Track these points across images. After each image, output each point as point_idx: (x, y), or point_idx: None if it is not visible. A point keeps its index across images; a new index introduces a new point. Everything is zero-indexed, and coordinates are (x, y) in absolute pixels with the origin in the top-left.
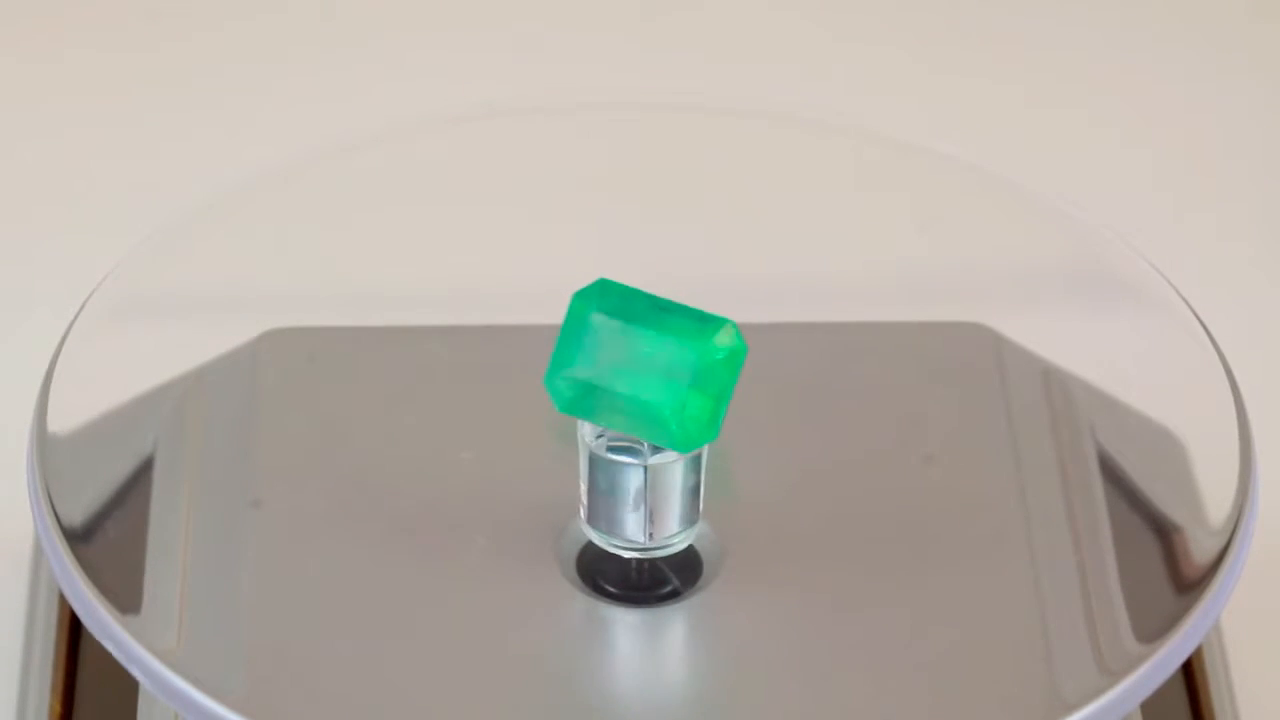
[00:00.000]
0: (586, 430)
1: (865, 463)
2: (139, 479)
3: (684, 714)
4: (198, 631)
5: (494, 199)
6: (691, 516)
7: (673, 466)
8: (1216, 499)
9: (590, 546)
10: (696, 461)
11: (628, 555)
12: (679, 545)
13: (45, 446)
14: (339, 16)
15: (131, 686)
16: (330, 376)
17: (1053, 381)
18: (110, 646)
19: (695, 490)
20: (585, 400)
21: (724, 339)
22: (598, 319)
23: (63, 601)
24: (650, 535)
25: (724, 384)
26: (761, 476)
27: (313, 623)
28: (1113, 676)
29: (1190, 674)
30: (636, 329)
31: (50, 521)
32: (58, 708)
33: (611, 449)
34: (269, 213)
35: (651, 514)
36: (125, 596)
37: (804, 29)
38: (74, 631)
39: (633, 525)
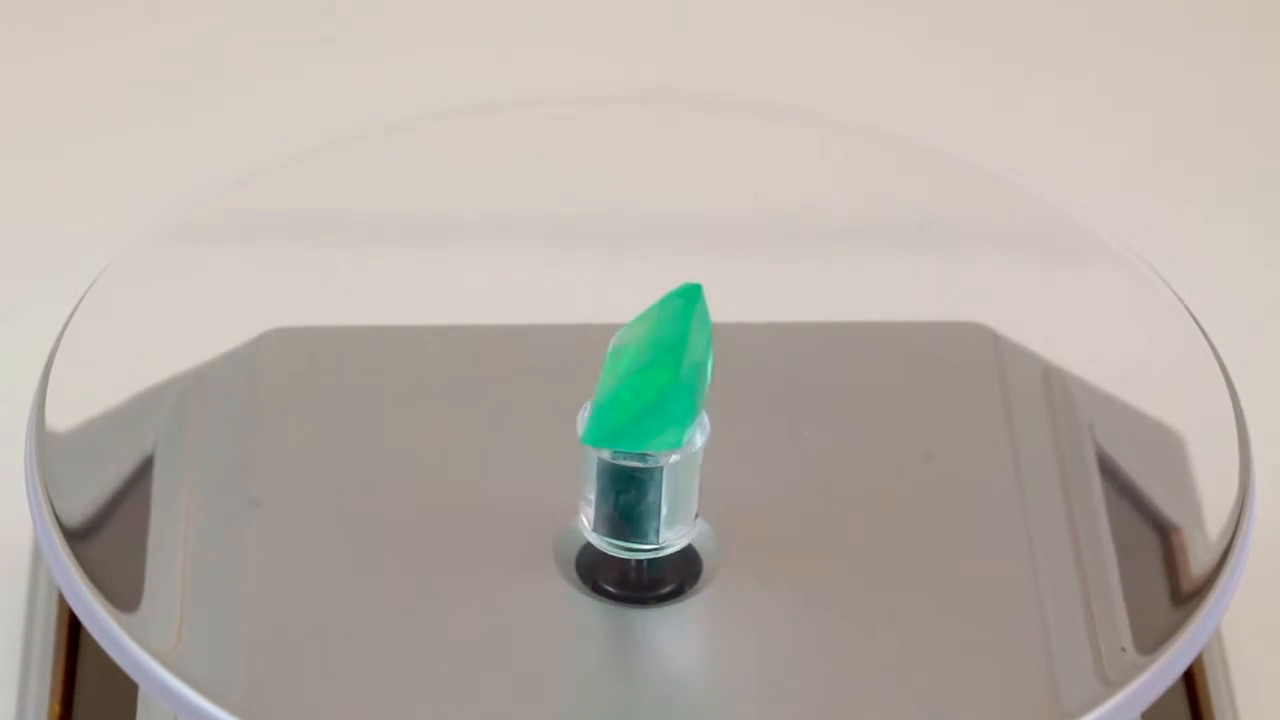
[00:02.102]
0: None
1: (865, 462)
2: (139, 479)
3: (684, 714)
4: (196, 633)
5: (494, 197)
6: (690, 517)
7: (671, 468)
8: (1216, 501)
9: (590, 547)
10: (695, 462)
11: (627, 555)
12: (678, 545)
13: (44, 446)
14: (338, 13)
15: (131, 687)
16: (330, 376)
17: (1052, 381)
18: (108, 648)
19: (694, 490)
20: (608, 359)
21: (660, 377)
22: (662, 309)
23: (62, 602)
24: (649, 535)
25: (634, 412)
26: (761, 476)
27: (312, 624)
28: (1113, 686)
29: (1190, 678)
30: (656, 334)
31: (49, 522)
32: (57, 709)
33: (612, 450)
34: (269, 211)
35: (650, 514)
36: (124, 597)
37: (805, 25)
38: (73, 632)
39: (632, 526)
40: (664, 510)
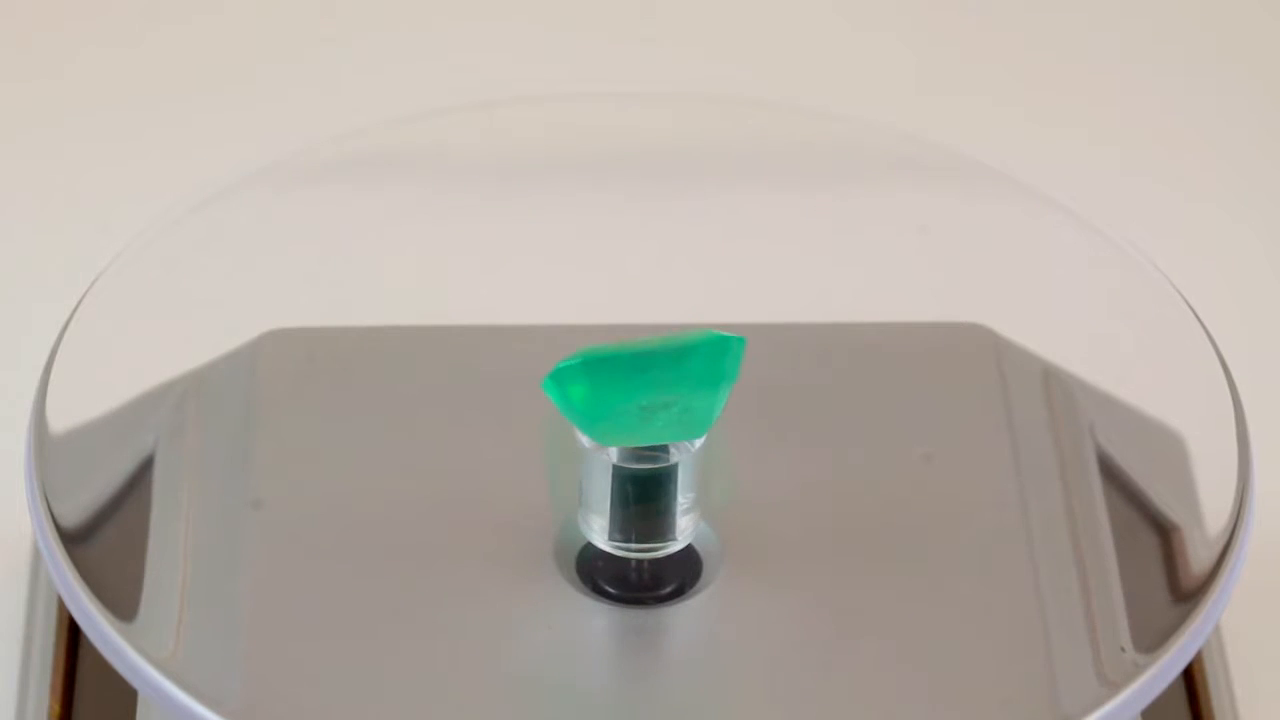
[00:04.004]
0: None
1: (865, 463)
2: (139, 479)
3: (684, 714)
4: (196, 637)
5: (494, 197)
6: (690, 516)
7: (671, 467)
8: (1217, 501)
9: (589, 547)
10: (695, 462)
11: (627, 556)
12: (678, 545)
13: (44, 448)
14: (337, 12)
15: (131, 688)
16: (330, 376)
17: (1053, 381)
18: (108, 654)
19: (694, 491)
20: None
21: (571, 370)
22: (692, 335)
23: (62, 602)
24: (649, 535)
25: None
26: (761, 476)
27: (311, 625)
28: (1112, 686)
29: (1190, 677)
30: (647, 341)
31: (48, 526)
32: (57, 709)
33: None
34: (269, 211)
35: (650, 514)
36: (123, 602)
37: (805, 22)
38: (73, 632)
39: (631, 526)
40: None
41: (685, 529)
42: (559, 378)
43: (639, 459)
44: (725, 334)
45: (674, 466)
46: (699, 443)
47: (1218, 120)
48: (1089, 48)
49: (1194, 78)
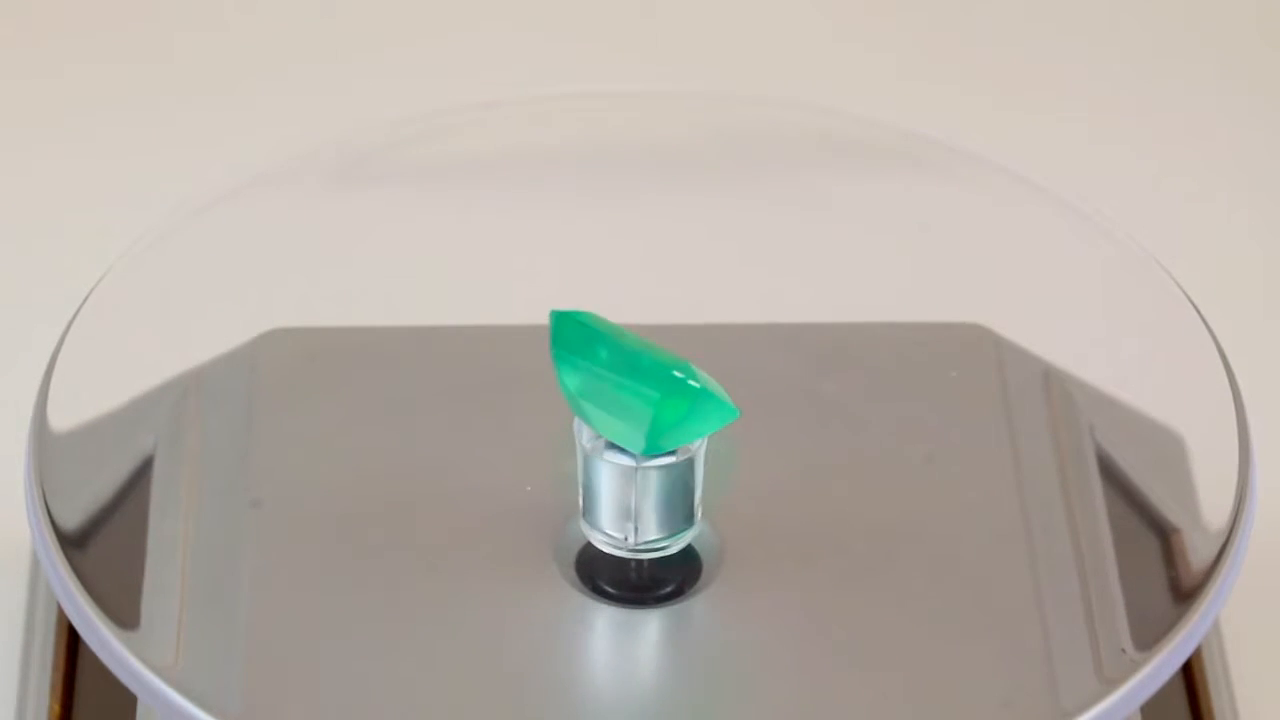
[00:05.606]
0: (584, 433)
1: (865, 463)
2: (138, 480)
3: (683, 714)
4: (195, 640)
5: (494, 197)
6: (690, 517)
7: (670, 468)
8: (1216, 500)
9: (589, 547)
10: (694, 463)
11: (627, 556)
12: (678, 545)
13: (44, 448)
14: (338, 14)
15: None
16: (330, 376)
17: (1052, 381)
18: (108, 661)
19: (693, 491)
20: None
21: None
22: (685, 362)
23: None
24: (649, 536)
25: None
26: (761, 476)
27: (311, 625)
28: (1112, 683)
29: (1190, 674)
30: (641, 347)
31: (48, 534)
32: (57, 709)
33: (608, 451)
34: (269, 212)
35: (650, 515)
36: (122, 605)
37: (806, 21)
38: (74, 632)
39: (631, 526)
40: (700, 486)
41: (641, 538)
42: (553, 318)
43: (605, 449)
44: (690, 382)
45: (631, 469)
46: (662, 459)
47: (1221, 118)
48: (1091, 44)
49: (1197, 76)
